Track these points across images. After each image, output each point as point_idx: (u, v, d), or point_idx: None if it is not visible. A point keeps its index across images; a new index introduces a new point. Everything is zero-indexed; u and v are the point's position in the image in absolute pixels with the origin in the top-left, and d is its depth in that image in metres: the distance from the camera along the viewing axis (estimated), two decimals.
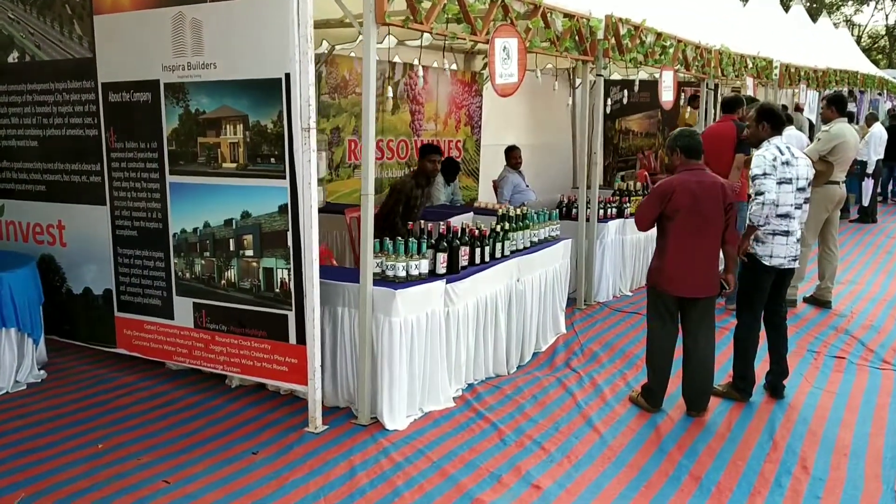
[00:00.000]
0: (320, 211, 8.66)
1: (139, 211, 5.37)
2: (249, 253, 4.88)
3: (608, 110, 13.23)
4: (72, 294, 5.96)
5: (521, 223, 6.21)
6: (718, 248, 5.01)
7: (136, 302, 5.54)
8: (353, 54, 9.48)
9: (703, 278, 4.94)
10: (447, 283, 5.18)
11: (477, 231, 5.60)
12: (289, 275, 4.73)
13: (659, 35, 8.46)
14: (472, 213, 8.28)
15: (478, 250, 5.59)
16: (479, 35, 5.54)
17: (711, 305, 5.10)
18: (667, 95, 8.68)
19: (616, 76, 12.24)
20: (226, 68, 4.73)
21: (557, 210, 8.07)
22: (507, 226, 6.01)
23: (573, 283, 8.00)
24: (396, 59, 9.74)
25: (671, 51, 8.72)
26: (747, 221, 5.20)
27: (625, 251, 8.54)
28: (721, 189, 4.91)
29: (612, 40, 7.54)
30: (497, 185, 9.70)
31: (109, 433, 4.70)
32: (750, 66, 11.44)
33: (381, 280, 4.97)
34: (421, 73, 8.10)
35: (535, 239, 6.42)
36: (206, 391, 5.36)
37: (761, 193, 5.05)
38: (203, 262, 5.10)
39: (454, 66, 11.22)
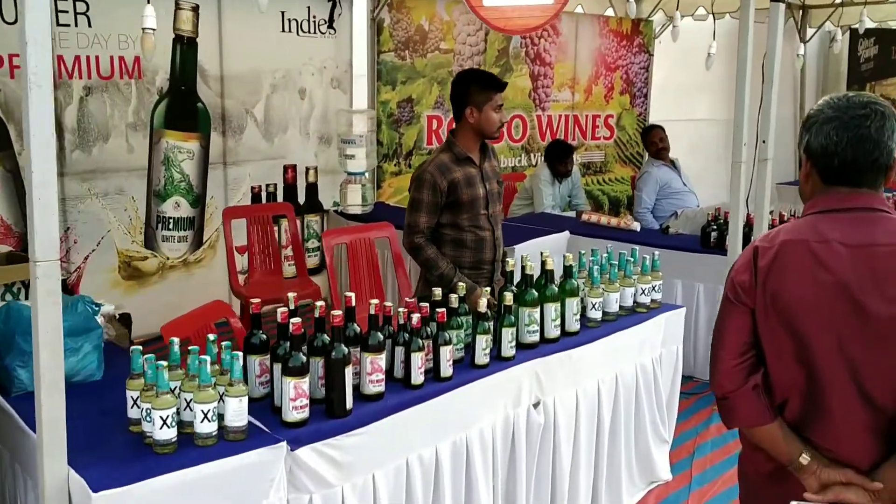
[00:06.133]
0: (356, 218, 6.08)
1: None
2: None
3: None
4: None
5: (551, 291, 3.11)
6: None
7: None
8: None
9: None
10: (296, 446, 2.34)
11: (417, 315, 2.67)
12: None
13: None
14: (566, 234, 5.23)
15: (418, 356, 2.67)
16: None
17: None
18: None
19: (867, 21, 8.39)
20: None
21: (701, 233, 4.84)
22: (509, 297, 2.96)
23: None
24: None
25: None
26: None
27: None
28: None
29: None
30: (635, 186, 6.45)
31: None
32: None
33: (145, 440, 2.26)
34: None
35: (596, 314, 3.30)
36: None
37: None
38: None
39: (609, 11, 8.05)
